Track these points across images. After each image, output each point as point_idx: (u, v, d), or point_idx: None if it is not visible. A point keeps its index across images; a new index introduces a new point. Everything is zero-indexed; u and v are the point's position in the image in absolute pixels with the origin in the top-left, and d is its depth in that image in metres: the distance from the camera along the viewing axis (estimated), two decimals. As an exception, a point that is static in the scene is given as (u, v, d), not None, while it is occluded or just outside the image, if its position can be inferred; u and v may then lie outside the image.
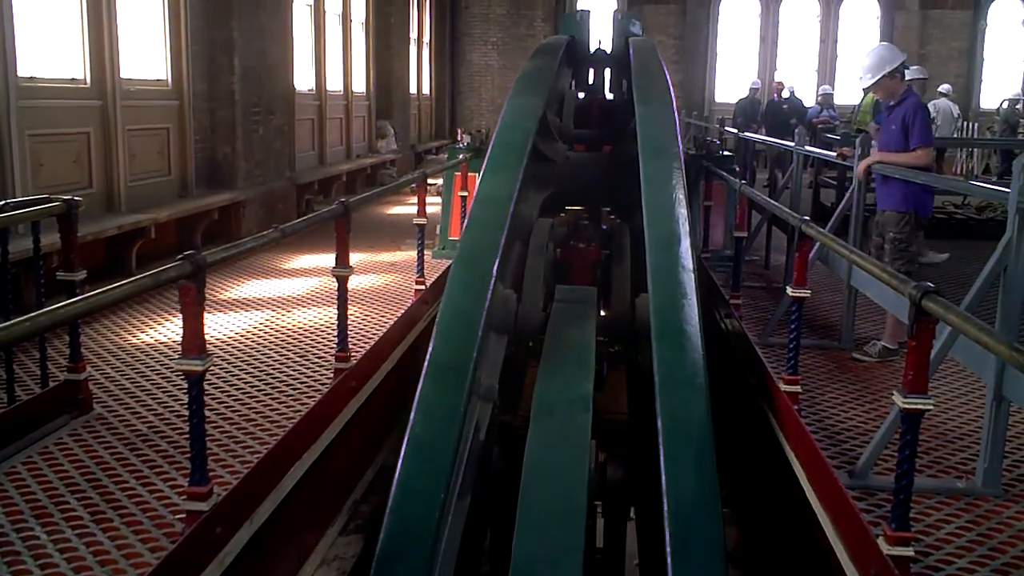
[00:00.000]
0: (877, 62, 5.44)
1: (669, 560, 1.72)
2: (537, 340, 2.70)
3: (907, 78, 8.45)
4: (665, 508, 1.81)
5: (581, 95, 5.63)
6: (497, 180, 3.02)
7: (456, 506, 2.05)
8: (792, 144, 7.60)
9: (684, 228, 2.72)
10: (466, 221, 2.90)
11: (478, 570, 2.29)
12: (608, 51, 5.66)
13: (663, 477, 1.87)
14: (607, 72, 5.70)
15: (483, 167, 3.15)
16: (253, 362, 5.14)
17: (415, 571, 1.76)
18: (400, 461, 1.97)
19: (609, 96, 5.76)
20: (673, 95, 3.75)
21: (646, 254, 2.62)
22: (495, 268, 2.53)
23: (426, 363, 2.21)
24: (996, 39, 20.67)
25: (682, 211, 2.83)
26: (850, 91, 17.85)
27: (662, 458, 1.92)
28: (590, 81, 5.70)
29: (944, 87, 11.64)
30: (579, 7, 20.75)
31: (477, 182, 3.09)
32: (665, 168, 3.06)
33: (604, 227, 4.40)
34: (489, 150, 3.24)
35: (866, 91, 11.53)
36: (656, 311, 2.38)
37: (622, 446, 2.74)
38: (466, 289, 2.48)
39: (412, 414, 2.07)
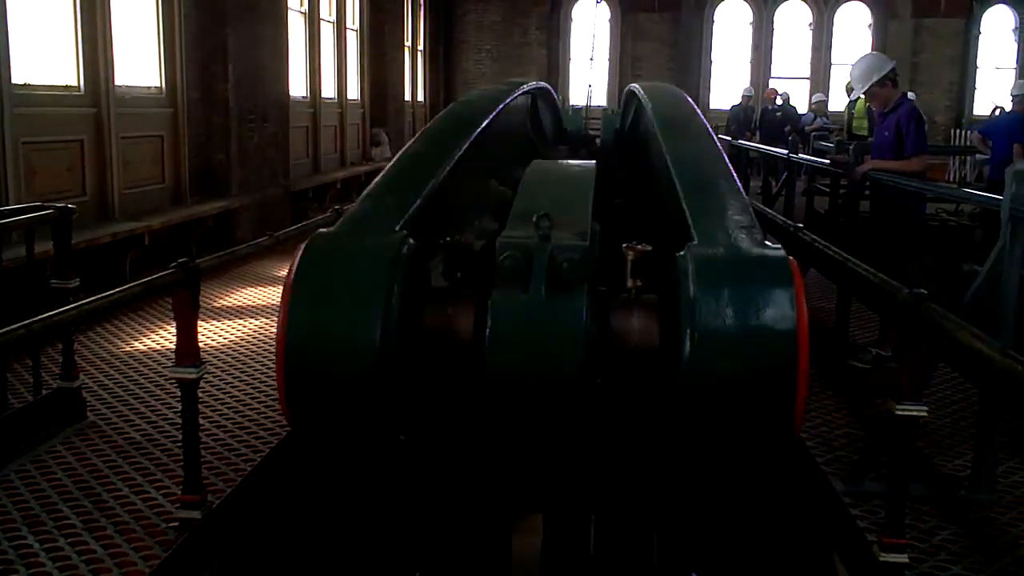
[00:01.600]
0: (865, 72, 5.48)
1: (685, 207, 1.73)
2: None
3: (1017, 92, 8.56)
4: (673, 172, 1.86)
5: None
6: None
7: None
8: (786, 152, 7.62)
9: (696, 109, 2.77)
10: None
11: None
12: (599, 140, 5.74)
13: (667, 159, 1.89)
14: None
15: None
16: (247, 369, 5.13)
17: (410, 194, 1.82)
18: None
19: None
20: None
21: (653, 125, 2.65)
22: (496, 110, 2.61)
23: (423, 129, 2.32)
24: (989, 47, 20.75)
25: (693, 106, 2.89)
26: (844, 99, 17.91)
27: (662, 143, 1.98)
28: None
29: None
30: (575, 13, 20.80)
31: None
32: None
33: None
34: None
35: (853, 102, 11.55)
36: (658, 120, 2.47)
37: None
38: (473, 97, 2.59)
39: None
